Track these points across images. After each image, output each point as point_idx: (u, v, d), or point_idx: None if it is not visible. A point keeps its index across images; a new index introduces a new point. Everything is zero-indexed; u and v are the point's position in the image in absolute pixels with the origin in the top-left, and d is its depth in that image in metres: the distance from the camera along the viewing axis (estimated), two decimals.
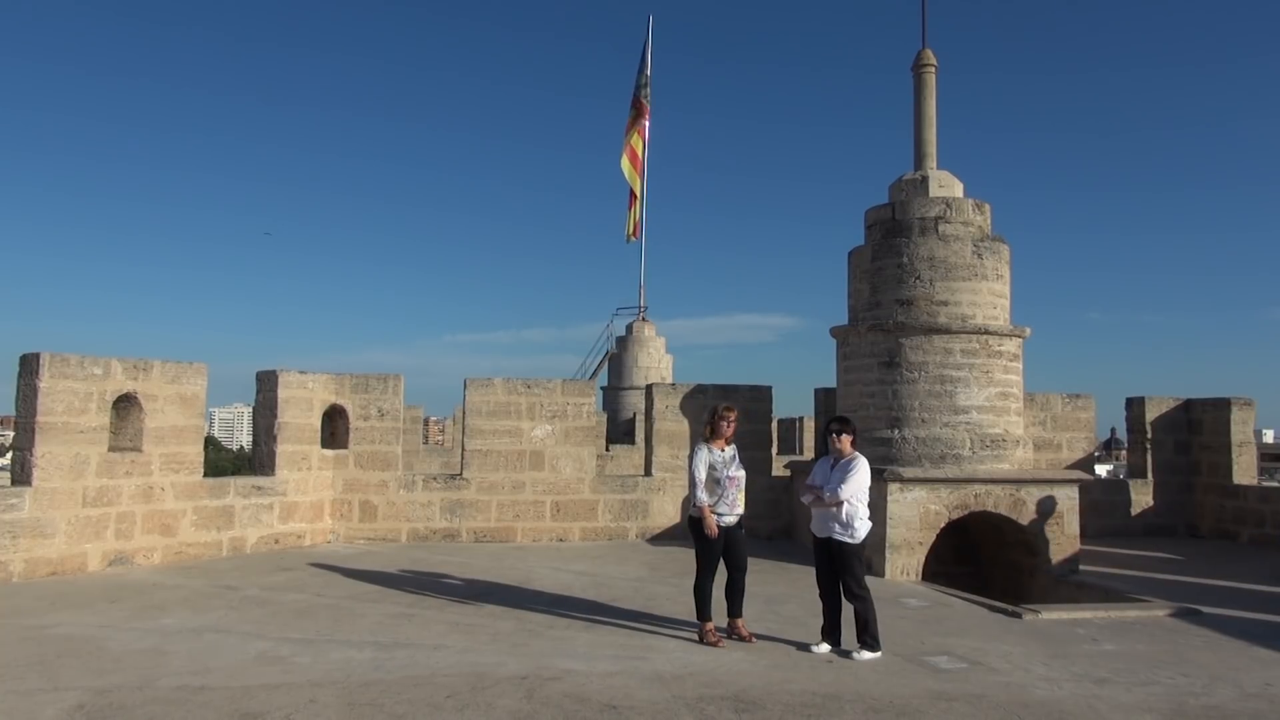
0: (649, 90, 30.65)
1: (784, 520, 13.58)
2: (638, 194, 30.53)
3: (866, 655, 6.82)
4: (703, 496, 7.24)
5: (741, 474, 7.39)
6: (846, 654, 6.91)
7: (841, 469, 7.26)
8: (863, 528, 7.21)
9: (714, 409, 7.55)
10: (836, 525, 7.20)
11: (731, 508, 7.33)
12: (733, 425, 7.47)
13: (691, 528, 7.43)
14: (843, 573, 7.16)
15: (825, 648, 7.02)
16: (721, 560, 7.37)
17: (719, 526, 7.22)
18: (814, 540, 7.43)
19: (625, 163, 30.27)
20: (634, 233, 30.89)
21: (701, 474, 7.27)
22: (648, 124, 30.58)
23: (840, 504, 7.15)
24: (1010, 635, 7.77)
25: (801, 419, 27.84)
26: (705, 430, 7.53)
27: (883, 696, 5.93)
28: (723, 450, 7.41)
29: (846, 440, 7.37)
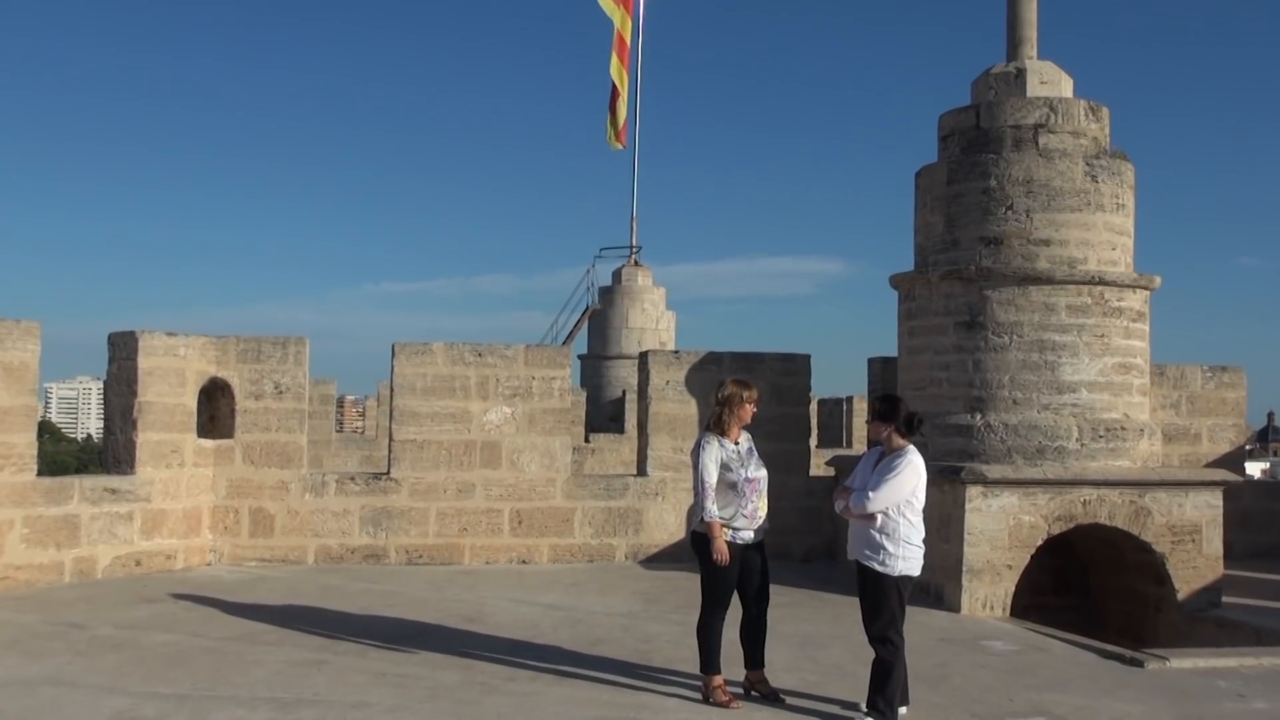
0: None
1: (825, 536, 13.64)
2: (621, 88, 30.27)
3: None
4: (713, 508, 7.21)
5: (763, 474, 7.36)
6: None
7: (883, 468, 7.09)
8: (903, 554, 6.94)
9: (724, 387, 7.45)
10: (866, 547, 7.05)
11: (751, 521, 7.30)
12: (752, 411, 7.43)
13: (696, 546, 7.40)
14: (869, 609, 7.05)
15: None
16: (736, 592, 7.38)
17: (735, 545, 7.21)
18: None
19: (615, 60, 30.06)
20: (619, 139, 30.74)
21: (712, 475, 7.22)
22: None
23: (870, 517, 6.98)
24: (1128, 689, 7.85)
25: (850, 399, 27.95)
26: (713, 417, 7.46)
27: None
28: (736, 443, 7.37)
29: (883, 430, 7.16)
